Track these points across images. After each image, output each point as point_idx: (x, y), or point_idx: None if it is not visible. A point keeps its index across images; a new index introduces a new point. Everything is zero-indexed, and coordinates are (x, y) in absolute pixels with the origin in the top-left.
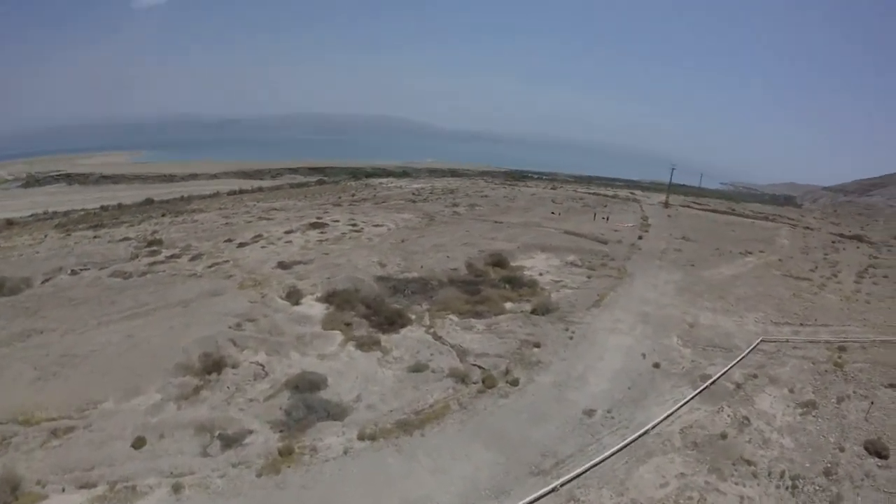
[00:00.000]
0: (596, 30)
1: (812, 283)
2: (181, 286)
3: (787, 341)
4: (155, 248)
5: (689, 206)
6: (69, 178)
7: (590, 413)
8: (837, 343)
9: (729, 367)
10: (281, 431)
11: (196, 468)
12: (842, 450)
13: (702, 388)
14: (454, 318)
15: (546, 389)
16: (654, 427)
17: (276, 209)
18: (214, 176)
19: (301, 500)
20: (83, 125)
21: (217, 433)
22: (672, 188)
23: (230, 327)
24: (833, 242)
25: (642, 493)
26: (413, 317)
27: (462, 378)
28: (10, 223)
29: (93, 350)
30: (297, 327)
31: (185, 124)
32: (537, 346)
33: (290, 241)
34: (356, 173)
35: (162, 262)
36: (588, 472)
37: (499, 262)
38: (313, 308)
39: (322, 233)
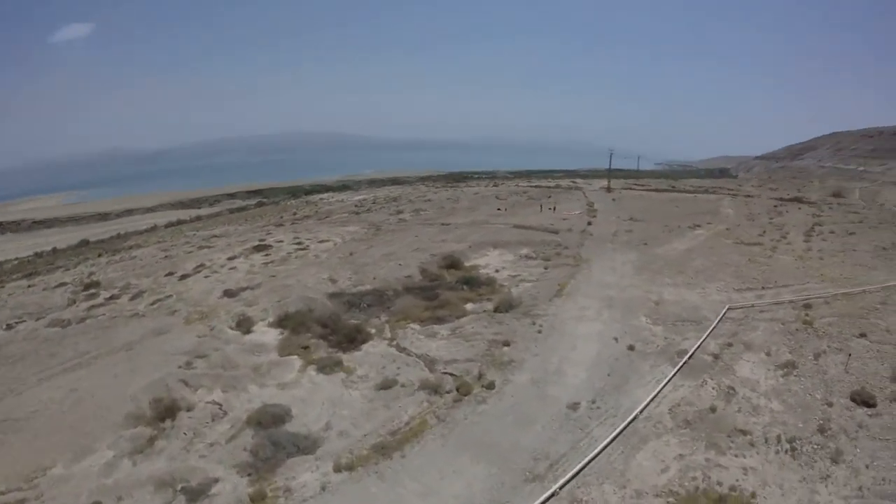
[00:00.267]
0: (526, 31)
1: (764, 247)
2: (123, 328)
3: (753, 306)
4: (93, 290)
5: (630, 189)
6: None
7: (574, 407)
8: (802, 301)
9: (703, 339)
10: (249, 475)
11: None
12: (830, 405)
13: (681, 363)
14: (415, 326)
15: (524, 388)
16: (642, 411)
17: (216, 236)
18: (151, 209)
19: None
20: (6, 171)
21: (179, 487)
22: (612, 173)
23: (180, 367)
24: (775, 206)
25: (645, 482)
26: (373, 331)
27: (435, 389)
28: None
29: (35, 410)
30: (252, 357)
31: (116, 159)
32: (507, 344)
33: (234, 268)
34: (295, 192)
35: (101, 305)
36: (585, 470)
37: (453, 263)
38: (266, 335)
39: (267, 255)
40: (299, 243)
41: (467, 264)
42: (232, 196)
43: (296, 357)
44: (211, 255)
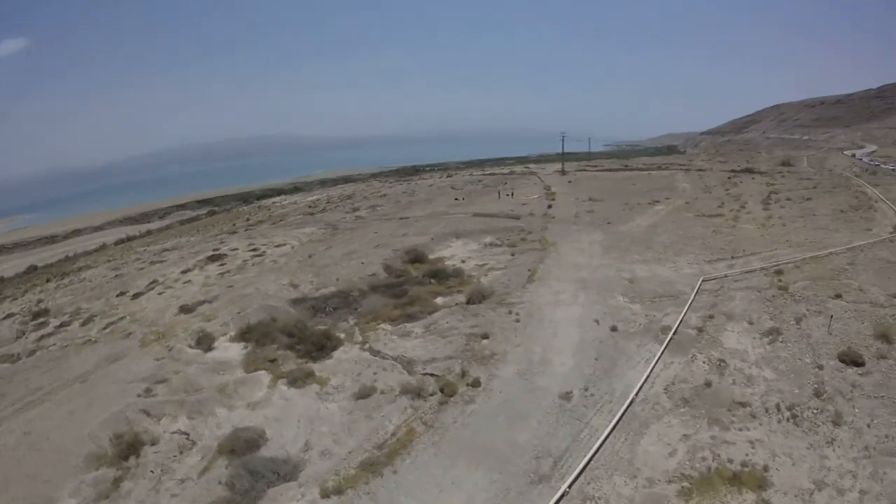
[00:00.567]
0: (466, 25)
1: (725, 218)
2: (76, 358)
3: (726, 276)
4: (42, 319)
5: (584, 170)
6: None
7: (567, 396)
8: (773, 268)
9: (683, 313)
10: None
11: None
12: (821, 368)
13: (667, 340)
14: (387, 326)
15: (512, 382)
16: (637, 394)
17: (168, 250)
18: (99, 228)
19: None
20: None
21: None
22: (564, 156)
23: (139, 395)
24: (729, 178)
25: (655, 469)
26: (342, 335)
27: (417, 392)
28: None
29: None
30: (216, 377)
31: (58, 179)
32: (485, 337)
33: (188, 281)
34: (247, 197)
35: (51, 334)
36: (591, 463)
37: (417, 257)
38: (229, 350)
39: (222, 265)
40: (255, 250)
41: (432, 257)
42: (182, 207)
43: (263, 372)
44: (163, 270)
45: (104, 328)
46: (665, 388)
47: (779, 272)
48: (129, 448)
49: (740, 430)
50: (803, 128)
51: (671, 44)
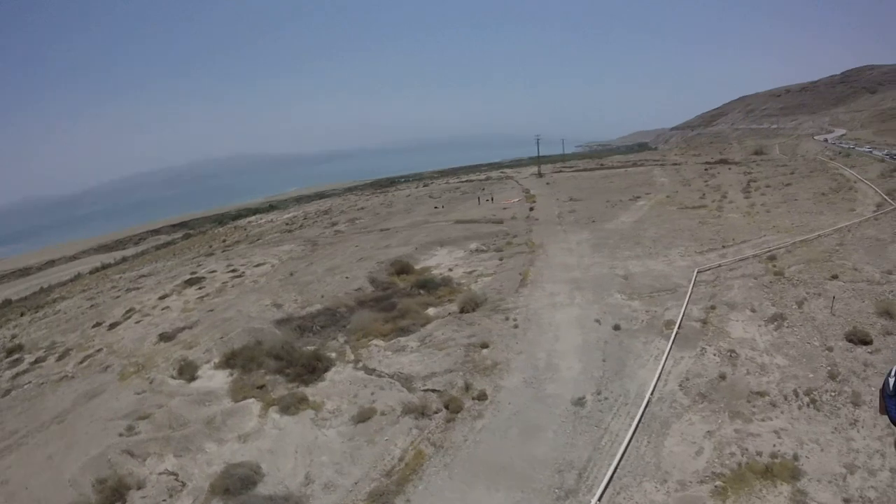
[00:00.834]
0: (425, 28)
1: (709, 209)
2: (52, 396)
3: (720, 266)
4: (16, 356)
5: (561, 172)
6: None
7: (580, 402)
8: (765, 254)
9: (685, 306)
10: None
11: None
12: (830, 350)
13: (673, 335)
14: (379, 342)
15: (520, 392)
16: (652, 393)
17: (144, 276)
18: (74, 257)
19: None
20: None
21: None
22: (538, 159)
23: (121, 434)
24: (706, 170)
25: (685, 471)
26: (333, 355)
27: (420, 411)
28: None
29: None
30: (202, 409)
31: (33, 208)
32: (485, 346)
33: (167, 307)
34: (222, 219)
35: (26, 372)
36: (618, 471)
37: (402, 268)
38: (214, 379)
39: (200, 288)
40: (234, 271)
41: (418, 267)
42: (156, 232)
43: (252, 400)
44: (140, 298)
45: (81, 362)
46: (680, 385)
47: (772, 258)
48: (113, 494)
49: (763, 420)
50: (771, 117)
51: (636, 41)
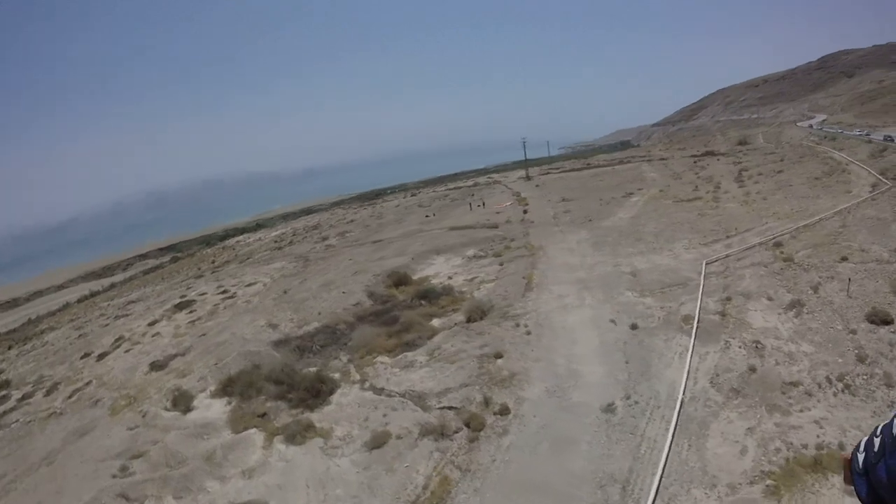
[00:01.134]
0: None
1: (704, 200)
2: (41, 435)
3: (728, 256)
4: (3, 392)
5: (548, 174)
6: None
7: (610, 409)
8: (771, 242)
9: (700, 299)
10: None
11: None
12: (854, 332)
13: (694, 330)
14: (385, 359)
15: (544, 403)
16: (684, 393)
17: (133, 302)
18: (62, 286)
19: None
20: None
21: None
22: (524, 161)
23: (115, 476)
24: (694, 162)
25: (732, 472)
26: (337, 376)
27: (440, 432)
28: None
29: None
30: (201, 443)
31: (18, 238)
32: (499, 356)
33: (157, 334)
34: (209, 240)
35: (14, 409)
36: (663, 480)
37: (400, 279)
38: (211, 409)
39: (191, 312)
40: (225, 292)
41: (416, 277)
42: (144, 256)
43: (254, 430)
44: (129, 325)
45: (69, 396)
46: (711, 381)
47: (778, 245)
48: None
49: (801, 411)
50: (751, 107)
51: (612, 39)
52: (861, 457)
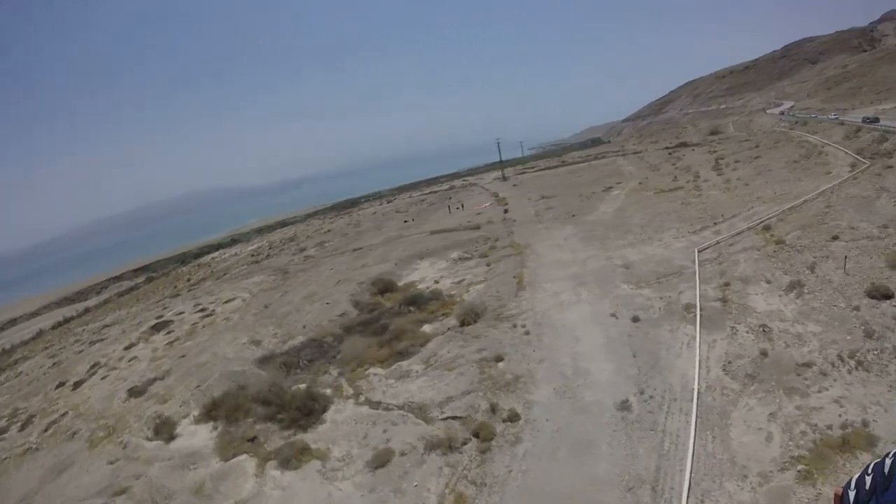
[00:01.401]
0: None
1: (686, 189)
2: (17, 474)
3: (719, 242)
4: None
5: (524, 173)
6: None
7: (625, 406)
8: (759, 226)
9: (698, 287)
10: None
11: None
12: (857, 309)
13: (698, 318)
14: (378, 370)
15: (555, 405)
16: (698, 383)
17: (108, 325)
18: (35, 313)
19: None
20: None
21: None
22: (497, 162)
23: None
24: (670, 154)
25: (761, 461)
26: (329, 391)
27: (447, 445)
28: None
29: None
30: (188, 475)
31: None
32: (499, 359)
33: (134, 358)
34: (184, 258)
35: None
36: (693, 476)
37: (386, 286)
38: (196, 435)
39: (168, 333)
40: (203, 310)
41: (401, 283)
42: (118, 279)
43: (245, 456)
44: (105, 350)
45: (45, 430)
46: (724, 369)
47: (767, 228)
48: None
49: (819, 392)
50: (718, 98)
51: (576, 36)
52: (853, 494)
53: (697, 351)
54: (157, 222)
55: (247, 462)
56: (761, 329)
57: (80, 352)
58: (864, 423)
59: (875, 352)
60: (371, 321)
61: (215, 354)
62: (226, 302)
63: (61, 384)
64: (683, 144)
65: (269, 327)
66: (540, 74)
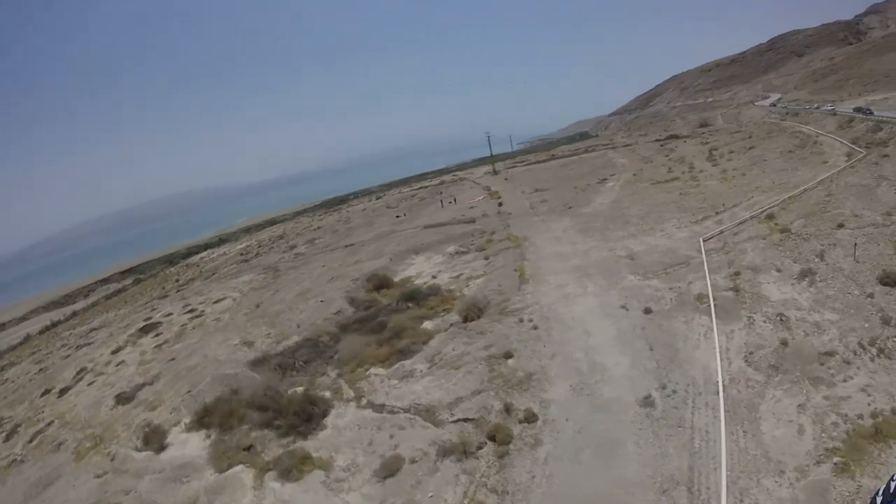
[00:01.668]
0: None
1: (682, 180)
2: (2, 488)
3: (723, 232)
4: None
5: (514, 167)
6: None
7: (648, 402)
8: (762, 215)
9: (707, 276)
10: None
11: None
12: (871, 296)
13: (712, 308)
14: (379, 370)
15: (573, 404)
16: (722, 376)
17: (95, 329)
18: (23, 318)
19: None
20: None
21: None
22: (483, 157)
23: None
24: (662, 146)
25: (796, 454)
26: (328, 394)
27: (462, 450)
28: None
29: None
30: (181, 488)
31: None
32: (509, 356)
33: (122, 362)
34: (172, 259)
35: None
36: (728, 474)
37: (381, 282)
38: (188, 445)
39: (157, 335)
40: (192, 311)
41: (397, 279)
42: (106, 281)
43: (241, 467)
44: (91, 354)
45: (30, 440)
46: (745, 360)
47: (770, 217)
48: None
49: (845, 381)
50: (705, 91)
51: (560, 31)
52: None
53: (717, 342)
54: (147, 223)
55: (244, 473)
56: (778, 318)
57: (67, 357)
58: (894, 412)
59: (894, 339)
60: (368, 318)
61: (206, 357)
62: (215, 302)
63: (47, 391)
64: (674, 137)
65: (261, 327)
66: (531, 73)
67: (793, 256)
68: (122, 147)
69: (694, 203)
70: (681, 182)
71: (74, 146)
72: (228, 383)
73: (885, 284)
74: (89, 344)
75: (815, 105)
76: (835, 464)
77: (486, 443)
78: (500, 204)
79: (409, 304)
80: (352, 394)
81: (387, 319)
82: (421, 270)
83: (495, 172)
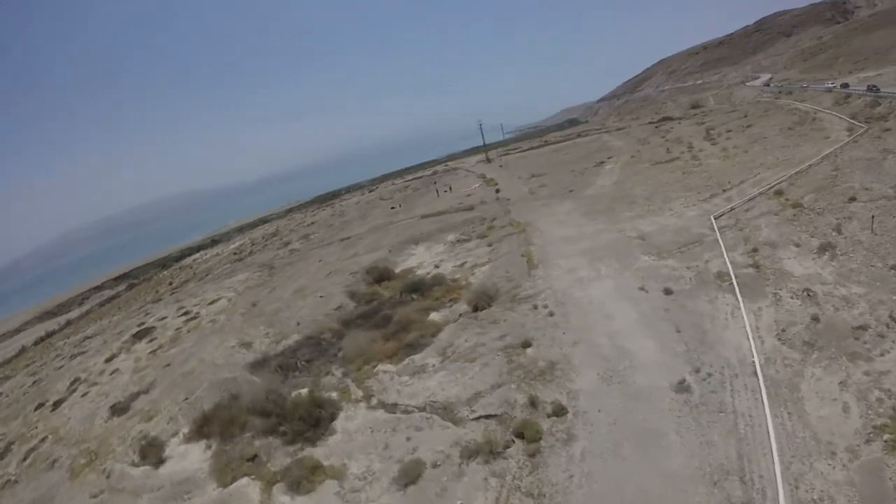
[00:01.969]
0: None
1: (683, 160)
2: None
3: (733, 209)
4: None
5: (507, 154)
6: None
7: (683, 388)
8: (771, 190)
9: (725, 254)
10: None
11: None
12: (894, 268)
13: (735, 285)
14: (388, 367)
15: (603, 393)
16: (756, 356)
17: (89, 337)
18: (18, 330)
19: None
20: None
21: None
22: (476, 146)
23: None
24: (657, 128)
25: (845, 435)
26: (335, 395)
27: (488, 450)
28: None
29: None
30: None
31: None
32: (527, 345)
33: (116, 371)
34: (165, 262)
35: None
36: (780, 458)
37: (382, 275)
38: (188, 457)
39: (151, 340)
40: (187, 313)
41: (398, 270)
42: (99, 288)
43: (246, 480)
44: (86, 363)
45: (24, 458)
46: (778, 338)
47: (779, 193)
48: None
49: (882, 355)
50: (694, 74)
51: (543, 18)
52: None
53: (746, 321)
54: (138, 227)
55: (250, 487)
56: (805, 293)
57: (60, 367)
58: None
59: None
60: (371, 313)
61: (202, 361)
62: (210, 303)
63: (41, 405)
64: (668, 118)
65: (259, 327)
66: (514, 60)
67: (809, 231)
68: (123, 147)
69: (699, 181)
70: (682, 161)
71: (77, 146)
72: (227, 388)
73: None
74: (83, 353)
75: (831, 82)
76: (885, 441)
77: (513, 441)
78: (497, 191)
79: (413, 296)
80: (360, 394)
81: (391, 313)
82: (422, 261)
83: (489, 160)
